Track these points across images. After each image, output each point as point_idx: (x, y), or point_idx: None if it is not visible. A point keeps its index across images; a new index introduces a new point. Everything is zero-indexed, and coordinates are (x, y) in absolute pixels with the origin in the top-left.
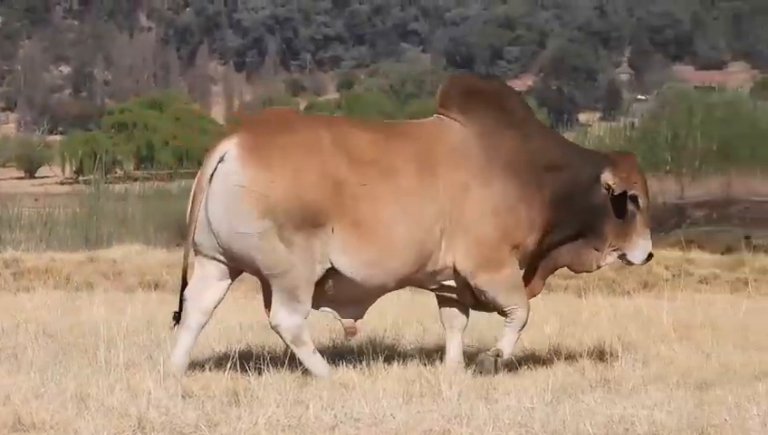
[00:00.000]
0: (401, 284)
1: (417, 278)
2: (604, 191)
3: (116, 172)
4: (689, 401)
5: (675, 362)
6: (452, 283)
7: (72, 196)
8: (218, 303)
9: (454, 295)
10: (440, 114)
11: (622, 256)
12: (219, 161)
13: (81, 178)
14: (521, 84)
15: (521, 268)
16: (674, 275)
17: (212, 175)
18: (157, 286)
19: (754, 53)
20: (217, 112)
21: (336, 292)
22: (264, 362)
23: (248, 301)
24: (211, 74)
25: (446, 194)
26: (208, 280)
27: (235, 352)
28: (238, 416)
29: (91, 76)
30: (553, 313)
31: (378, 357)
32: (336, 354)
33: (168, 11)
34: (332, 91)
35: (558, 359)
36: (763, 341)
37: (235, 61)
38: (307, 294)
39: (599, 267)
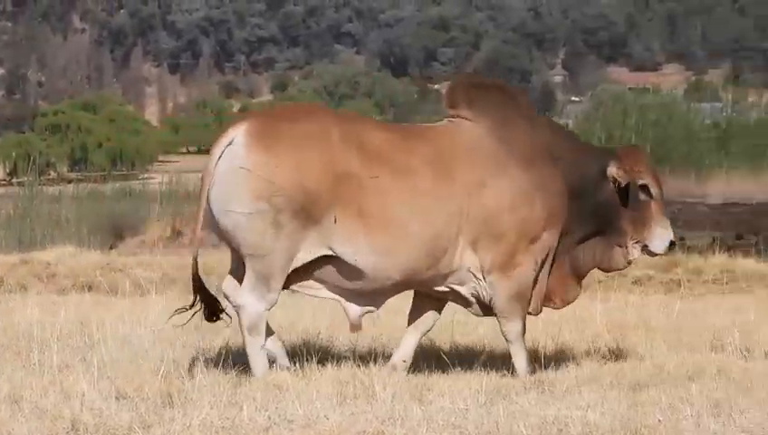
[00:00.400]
0: (412, 281)
1: (429, 277)
2: (612, 185)
3: (50, 174)
4: (623, 401)
5: (608, 363)
6: (463, 289)
7: (5, 198)
8: None
9: (461, 304)
10: (449, 117)
11: (644, 248)
12: (227, 146)
13: (14, 179)
14: None
15: (541, 271)
16: (607, 276)
17: (218, 160)
18: (90, 288)
19: (688, 55)
20: (151, 114)
21: (343, 281)
22: (197, 363)
23: (182, 303)
24: (145, 76)
25: (463, 193)
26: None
27: (168, 353)
28: (172, 417)
29: (24, 78)
30: None
31: (311, 359)
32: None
33: (101, 12)
34: (266, 92)
35: (492, 360)
36: (696, 341)
37: (168, 62)
38: (278, 284)
39: (629, 263)
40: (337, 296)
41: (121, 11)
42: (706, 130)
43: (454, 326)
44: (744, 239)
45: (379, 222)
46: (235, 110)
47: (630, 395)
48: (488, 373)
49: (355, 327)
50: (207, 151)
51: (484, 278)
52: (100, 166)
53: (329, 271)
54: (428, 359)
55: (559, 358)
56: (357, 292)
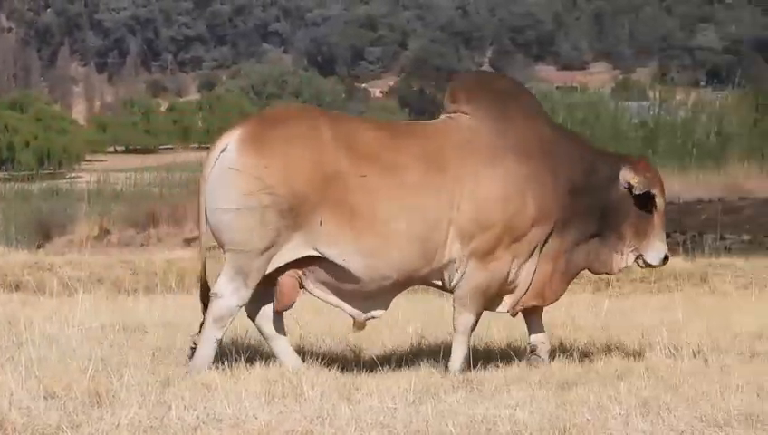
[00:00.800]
0: (410, 278)
1: (426, 273)
2: (622, 190)
3: None
4: (551, 400)
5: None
6: (451, 279)
7: None
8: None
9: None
10: (449, 113)
11: (639, 258)
12: (221, 152)
13: None
14: (382, 84)
15: (523, 269)
16: None
17: (213, 166)
18: (18, 287)
19: (616, 54)
20: (79, 113)
21: (340, 283)
22: (126, 363)
23: (110, 302)
24: (72, 75)
25: (455, 185)
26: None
27: (96, 352)
28: (100, 417)
29: None
30: (416, 313)
31: (240, 358)
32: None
33: (28, 12)
34: (194, 91)
35: (420, 359)
36: (624, 340)
37: (96, 61)
38: (254, 282)
39: (620, 270)
40: (343, 302)
41: (48, 10)
42: (634, 129)
43: (383, 326)
44: (671, 238)
45: (369, 221)
46: (162, 109)
47: (559, 394)
48: (417, 372)
49: (359, 326)
50: (135, 151)
51: (464, 265)
52: (27, 165)
53: (325, 273)
54: (357, 358)
55: (487, 357)
56: (360, 293)
